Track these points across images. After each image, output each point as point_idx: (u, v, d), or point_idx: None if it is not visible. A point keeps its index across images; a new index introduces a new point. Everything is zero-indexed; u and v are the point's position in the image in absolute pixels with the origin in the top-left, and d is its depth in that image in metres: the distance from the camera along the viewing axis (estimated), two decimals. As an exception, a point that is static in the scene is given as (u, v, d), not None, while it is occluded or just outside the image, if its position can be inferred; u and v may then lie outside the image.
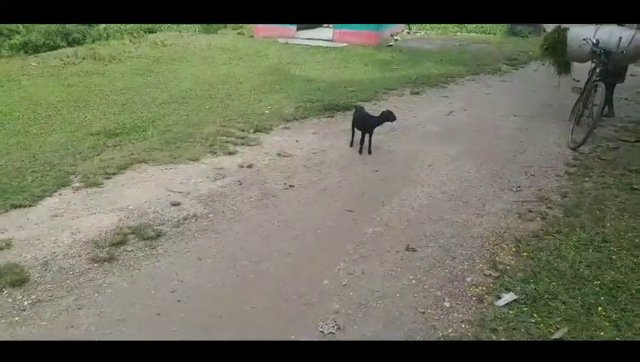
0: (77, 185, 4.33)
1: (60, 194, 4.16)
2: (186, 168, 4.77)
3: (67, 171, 4.57)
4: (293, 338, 2.66)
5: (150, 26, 16.31)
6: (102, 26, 15.51)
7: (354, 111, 5.75)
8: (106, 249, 3.35)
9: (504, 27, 18.28)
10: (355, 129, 5.59)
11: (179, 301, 2.90)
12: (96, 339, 2.59)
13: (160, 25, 16.80)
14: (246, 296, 2.98)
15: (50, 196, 4.12)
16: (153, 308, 2.85)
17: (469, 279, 3.19)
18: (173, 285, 3.04)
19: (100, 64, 9.76)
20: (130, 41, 12.95)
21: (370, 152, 5.40)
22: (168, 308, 2.85)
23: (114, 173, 4.55)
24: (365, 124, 5.43)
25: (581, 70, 7.03)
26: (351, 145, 5.59)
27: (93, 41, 13.61)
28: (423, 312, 2.88)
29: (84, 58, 10.21)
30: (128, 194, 4.19)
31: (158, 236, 3.55)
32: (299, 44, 13.01)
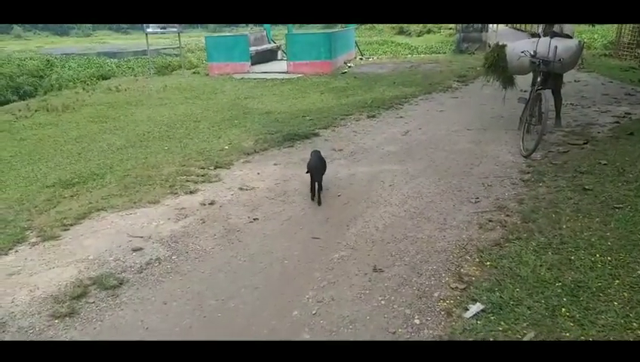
0: (34, 240, 4.20)
1: (16, 251, 4.02)
2: (146, 212, 4.70)
3: (23, 227, 4.43)
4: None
5: (104, 72, 16.24)
6: (54, 76, 15.34)
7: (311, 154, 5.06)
8: (67, 303, 3.24)
9: (452, 46, 19.01)
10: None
11: (145, 349, 2.82)
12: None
13: (114, 71, 16.74)
14: (215, 336, 2.92)
15: (6, 254, 3.97)
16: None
17: (436, 294, 3.23)
18: (139, 333, 2.96)
19: (53, 115, 9.62)
20: (84, 89, 12.84)
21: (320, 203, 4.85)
22: (135, 357, 2.76)
23: (72, 224, 4.44)
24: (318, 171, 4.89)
25: (526, 80, 7.35)
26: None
27: (45, 93, 13.43)
28: (394, 332, 2.88)
29: (36, 110, 10.05)
30: (88, 244, 4.09)
31: (121, 284, 3.46)
32: (254, 78, 13.17)
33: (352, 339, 2.83)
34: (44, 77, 15.75)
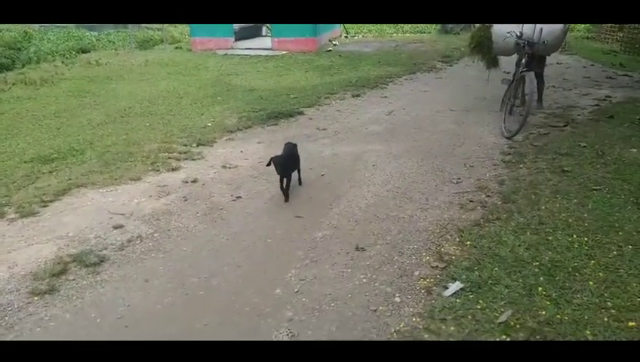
0: (12, 216, 4.12)
1: (-6, 228, 3.95)
2: (127, 188, 4.64)
3: (0, 203, 4.34)
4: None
5: (83, 45, 15.78)
6: (32, 49, 14.87)
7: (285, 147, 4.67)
8: (46, 280, 3.20)
9: (437, 26, 18.93)
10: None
11: (127, 326, 2.81)
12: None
13: (94, 44, 16.29)
14: (197, 314, 2.93)
15: (-17, 231, 3.90)
16: (99, 337, 2.75)
17: (417, 273, 3.27)
18: (120, 311, 2.95)
19: (31, 88, 9.35)
20: (63, 62, 12.48)
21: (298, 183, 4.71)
22: (115, 335, 2.75)
23: (51, 201, 4.36)
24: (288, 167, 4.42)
25: (510, 62, 7.38)
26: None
27: (23, 66, 13.02)
28: (375, 310, 2.92)
29: (13, 83, 9.74)
30: (67, 221, 4.03)
31: (102, 261, 3.43)
32: (238, 55, 12.97)
33: (334, 318, 2.87)
34: (22, 49, 15.26)
